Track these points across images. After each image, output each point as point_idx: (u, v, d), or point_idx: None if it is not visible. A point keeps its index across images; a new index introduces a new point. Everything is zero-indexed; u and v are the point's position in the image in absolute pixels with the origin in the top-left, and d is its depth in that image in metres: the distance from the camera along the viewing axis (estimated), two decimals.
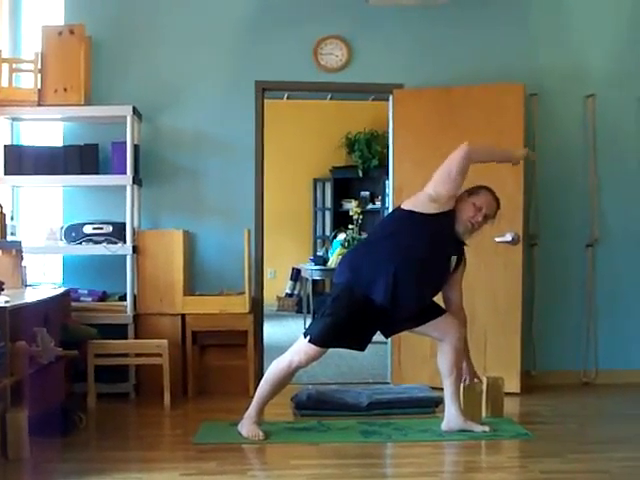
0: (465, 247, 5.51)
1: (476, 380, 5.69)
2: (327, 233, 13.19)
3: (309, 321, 10.33)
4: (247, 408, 5.41)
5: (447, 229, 5.34)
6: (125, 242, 6.48)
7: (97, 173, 6.57)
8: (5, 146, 6.54)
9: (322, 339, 5.23)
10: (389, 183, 7.24)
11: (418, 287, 5.26)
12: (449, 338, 5.45)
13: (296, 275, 13.03)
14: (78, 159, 6.54)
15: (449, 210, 5.32)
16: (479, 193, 5.41)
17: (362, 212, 11.58)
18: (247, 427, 5.33)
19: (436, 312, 5.48)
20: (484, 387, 5.76)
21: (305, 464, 4.89)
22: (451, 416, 5.45)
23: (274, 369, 5.35)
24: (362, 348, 5.44)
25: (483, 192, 5.41)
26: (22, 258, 6.13)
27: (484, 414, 5.75)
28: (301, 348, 5.29)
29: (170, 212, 6.91)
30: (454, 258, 5.44)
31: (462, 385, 5.59)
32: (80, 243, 6.52)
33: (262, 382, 5.42)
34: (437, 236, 5.29)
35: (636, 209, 7.15)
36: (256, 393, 5.44)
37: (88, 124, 6.80)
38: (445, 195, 5.28)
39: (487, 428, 5.39)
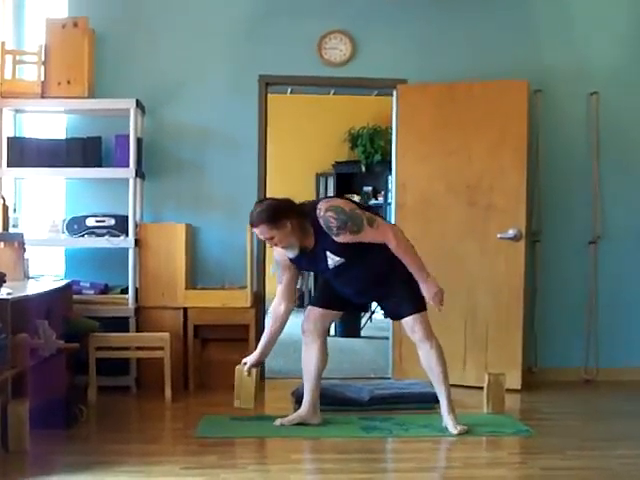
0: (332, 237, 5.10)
1: None
2: None
3: None
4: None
5: (304, 260, 5.27)
6: (127, 235, 6.48)
7: (100, 166, 6.57)
8: (8, 138, 6.54)
9: (314, 299, 5.68)
10: (392, 178, 7.24)
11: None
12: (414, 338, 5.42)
13: None
14: (81, 152, 6.54)
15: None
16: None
17: None
18: None
19: (402, 313, 5.37)
20: None
21: (306, 458, 4.92)
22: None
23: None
24: (361, 308, 5.79)
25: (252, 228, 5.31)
26: (24, 250, 6.12)
27: (486, 409, 5.77)
28: None
29: (173, 205, 6.91)
30: (335, 263, 5.19)
31: None
32: (82, 236, 6.52)
33: None
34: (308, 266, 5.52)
35: (639, 206, 7.14)
36: None
37: (91, 117, 6.80)
38: None
39: (455, 431, 5.28)
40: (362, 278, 5.27)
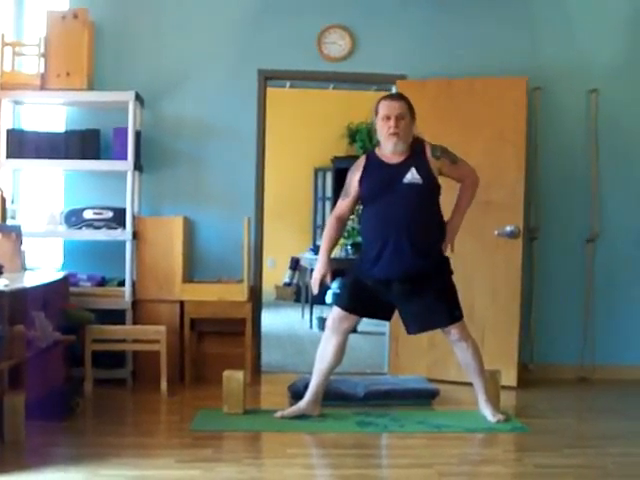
0: (428, 147, 5.45)
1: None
2: None
3: (307, 311, 10.37)
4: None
5: (380, 172, 5.49)
6: (125, 228, 6.49)
7: (98, 158, 6.56)
8: (7, 130, 6.53)
9: (338, 298, 5.69)
10: None
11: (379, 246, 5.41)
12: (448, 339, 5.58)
13: (295, 264, 13.01)
14: (79, 144, 6.54)
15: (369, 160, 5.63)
16: (380, 107, 5.44)
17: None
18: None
19: (440, 323, 5.51)
20: None
21: (301, 453, 4.91)
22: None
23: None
24: (383, 316, 5.74)
25: (382, 104, 5.45)
26: (21, 242, 6.12)
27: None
28: None
29: (170, 199, 6.91)
30: (413, 179, 5.35)
31: None
32: (80, 228, 6.52)
33: None
34: (376, 189, 5.47)
35: (637, 205, 7.14)
36: None
37: (90, 109, 6.80)
38: None
39: (494, 419, 5.47)
40: (413, 218, 5.32)
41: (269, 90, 7.15)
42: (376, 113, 5.46)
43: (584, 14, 7.15)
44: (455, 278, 5.68)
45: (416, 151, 5.42)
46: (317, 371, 5.57)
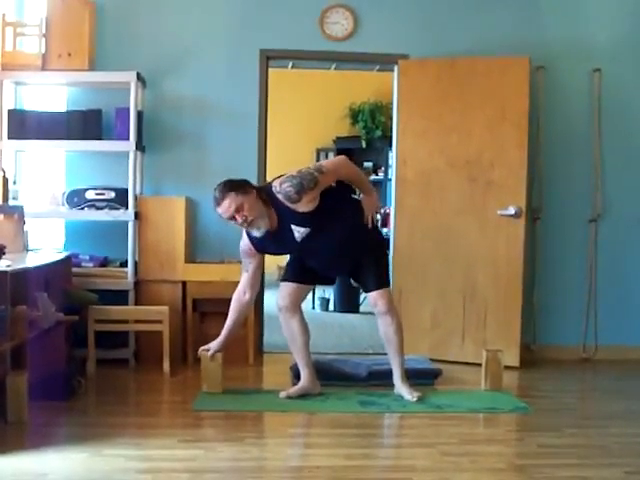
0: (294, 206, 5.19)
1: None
2: None
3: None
4: None
5: (271, 240, 5.34)
6: (127, 208, 6.48)
7: (100, 139, 6.55)
8: (9, 110, 6.52)
9: (286, 274, 5.71)
10: (392, 154, 7.23)
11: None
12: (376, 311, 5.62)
13: None
14: (81, 124, 6.52)
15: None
16: (220, 214, 5.23)
17: None
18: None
19: (368, 287, 5.59)
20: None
21: (303, 433, 4.94)
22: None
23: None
24: (329, 282, 6.20)
25: (218, 211, 5.22)
26: (24, 223, 6.12)
27: (483, 386, 5.79)
28: None
29: (172, 179, 6.91)
30: (302, 234, 5.28)
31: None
32: (82, 208, 6.52)
33: None
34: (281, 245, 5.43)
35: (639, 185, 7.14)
36: None
37: (92, 89, 6.78)
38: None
39: (413, 398, 5.45)
40: (329, 247, 5.37)
41: (271, 71, 7.13)
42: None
43: None
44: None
45: (277, 205, 5.20)
46: (297, 352, 5.65)
